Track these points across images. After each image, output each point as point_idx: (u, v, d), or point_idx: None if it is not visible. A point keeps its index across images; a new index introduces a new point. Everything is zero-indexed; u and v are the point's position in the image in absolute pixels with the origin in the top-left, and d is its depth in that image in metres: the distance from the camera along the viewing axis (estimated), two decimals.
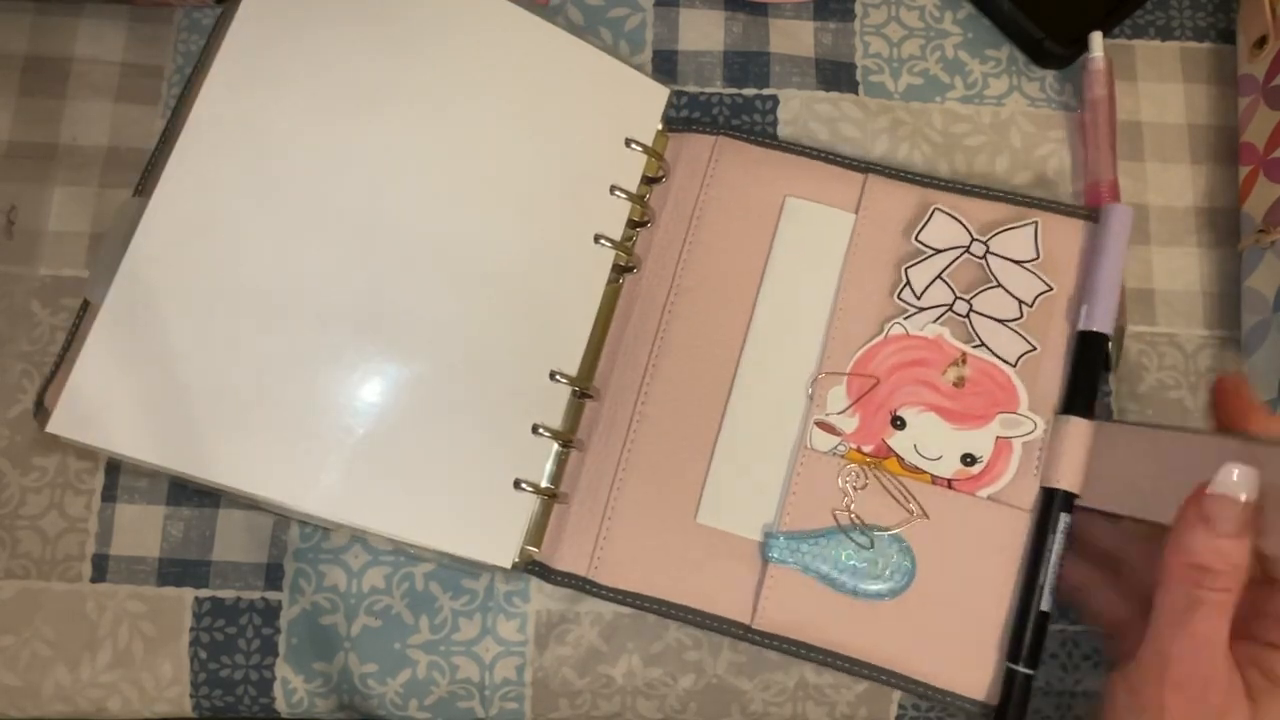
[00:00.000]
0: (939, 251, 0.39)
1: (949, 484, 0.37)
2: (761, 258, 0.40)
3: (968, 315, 0.38)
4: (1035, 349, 0.37)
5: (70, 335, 0.35)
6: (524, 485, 0.37)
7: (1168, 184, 0.43)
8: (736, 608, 0.37)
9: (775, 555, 0.36)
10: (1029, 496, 0.36)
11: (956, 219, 0.39)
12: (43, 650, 0.38)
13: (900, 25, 0.45)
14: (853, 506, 0.37)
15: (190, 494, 0.39)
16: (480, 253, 0.38)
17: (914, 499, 0.37)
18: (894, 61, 0.44)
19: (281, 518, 0.39)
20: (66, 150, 0.42)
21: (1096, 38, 0.41)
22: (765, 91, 0.44)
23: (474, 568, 0.38)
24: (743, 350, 0.39)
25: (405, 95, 0.38)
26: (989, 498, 0.36)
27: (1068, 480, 0.35)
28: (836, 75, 0.44)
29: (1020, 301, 0.38)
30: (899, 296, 0.38)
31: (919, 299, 0.38)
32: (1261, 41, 0.41)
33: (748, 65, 0.44)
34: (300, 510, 0.35)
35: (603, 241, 0.39)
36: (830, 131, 0.43)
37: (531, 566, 0.38)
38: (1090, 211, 0.39)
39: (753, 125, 0.43)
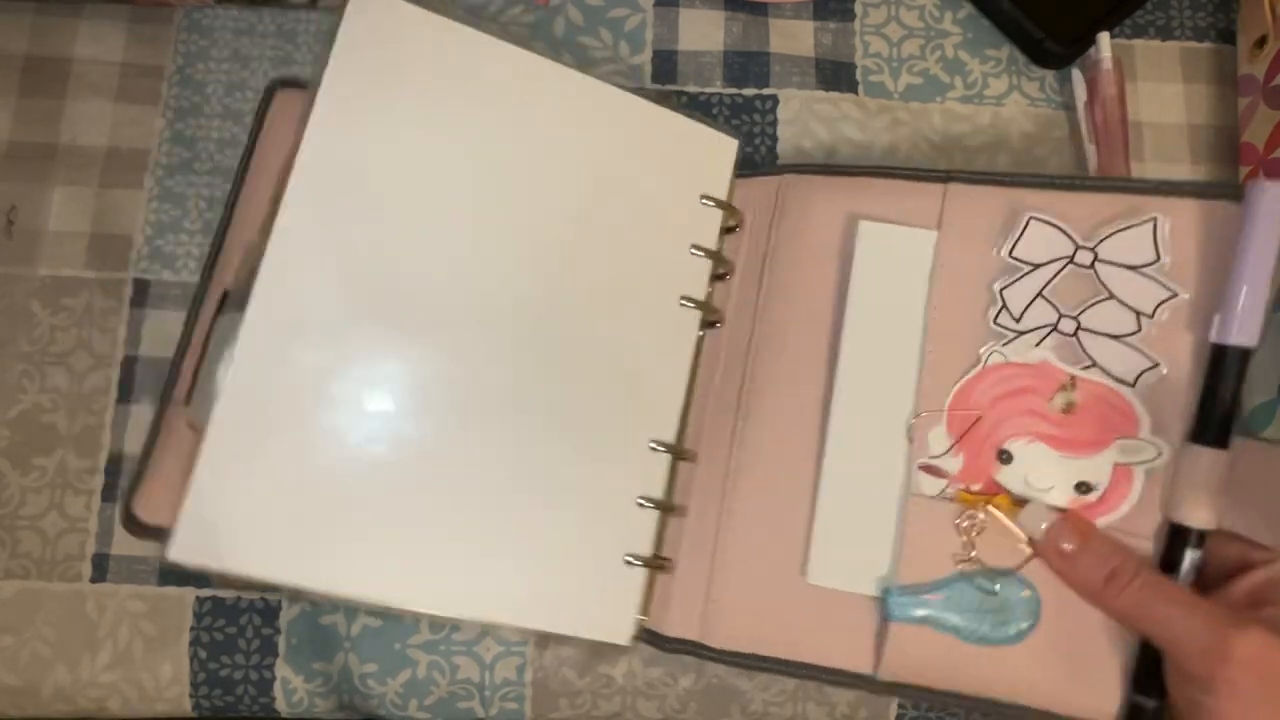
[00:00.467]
0: (1038, 266, 0.34)
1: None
2: (840, 291, 0.37)
3: (1075, 333, 0.34)
4: (1158, 365, 0.33)
5: (151, 436, 0.36)
6: (633, 560, 0.36)
7: None
8: (857, 660, 0.35)
9: (897, 614, 0.33)
10: (1152, 524, 0.33)
11: (1055, 225, 0.34)
12: (43, 650, 0.38)
13: (900, 25, 0.45)
14: (974, 553, 0.34)
15: None
16: (568, 327, 0.37)
17: (1031, 536, 0.33)
18: (894, 61, 0.44)
19: None
20: (66, 150, 0.42)
21: (1104, 39, 0.41)
22: (765, 91, 0.44)
23: (597, 649, 0.38)
24: (832, 393, 0.36)
25: (485, 170, 0.37)
26: (1107, 528, 0.33)
27: (1196, 517, 0.31)
28: (836, 75, 0.44)
29: (1139, 314, 0.33)
30: (995, 321, 0.35)
31: (1018, 321, 0.34)
32: (1261, 41, 0.41)
33: (748, 65, 0.44)
34: (419, 611, 0.35)
35: (687, 303, 0.38)
36: (830, 131, 0.43)
37: (644, 635, 0.36)
38: (1228, 189, 0.33)
39: (752, 125, 0.43)
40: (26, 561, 0.39)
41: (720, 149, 0.40)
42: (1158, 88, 0.44)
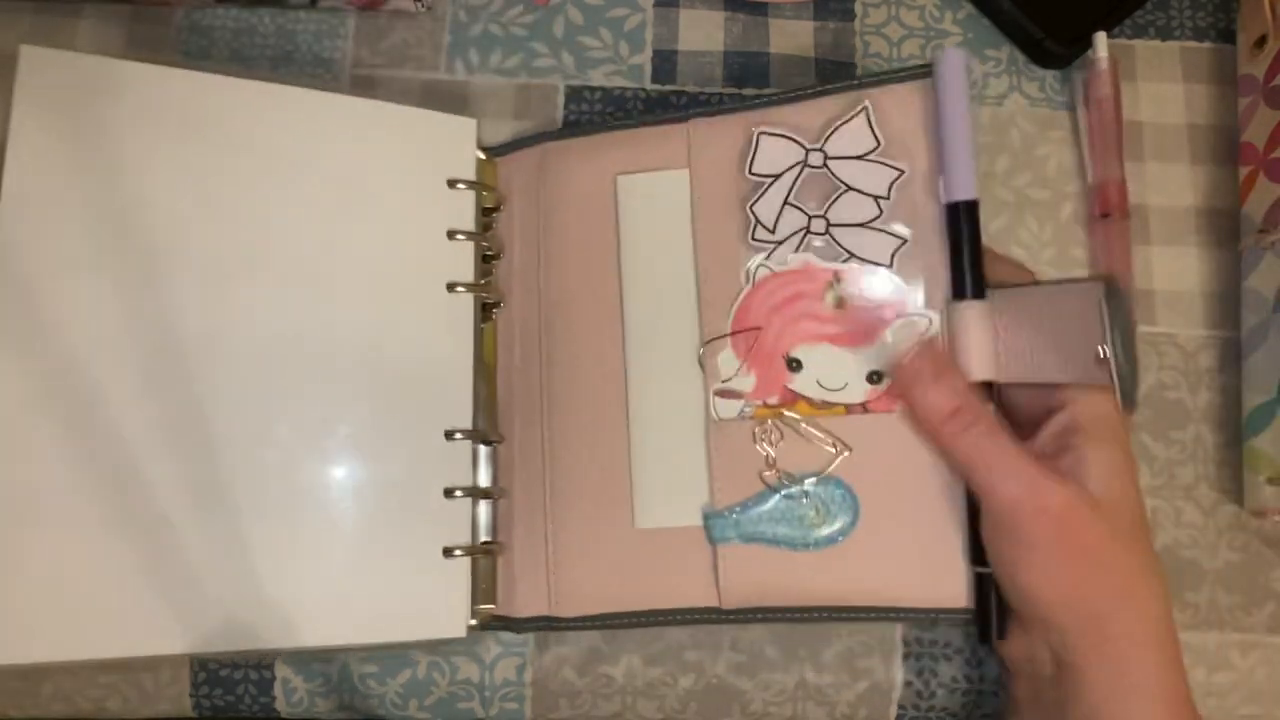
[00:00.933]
0: (777, 177, 0.36)
1: (864, 408, 0.35)
2: (614, 247, 0.38)
3: (827, 231, 0.36)
4: (905, 241, 0.35)
5: None
6: (454, 551, 0.36)
7: (1168, 184, 0.43)
8: (701, 595, 0.36)
9: (718, 535, 0.35)
10: None
11: (784, 136, 0.36)
12: None
13: (900, 25, 0.45)
14: (776, 463, 0.35)
15: None
16: (336, 340, 0.36)
17: (833, 435, 0.35)
18: (894, 61, 0.44)
19: None
20: None
21: (1101, 39, 0.41)
22: (765, 91, 0.44)
23: (435, 645, 0.38)
24: (625, 345, 0.38)
25: (214, 206, 0.36)
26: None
27: (978, 368, 0.33)
28: (837, 75, 0.44)
29: (876, 197, 0.35)
30: (753, 237, 0.36)
31: (773, 232, 0.36)
32: (1261, 41, 0.41)
33: (748, 65, 0.44)
34: (242, 650, 0.34)
35: (458, 288, 0.38)
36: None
37: (495, 622, 0.37)
38: (923, 68, 0.35)
39: None
40: None
41: (459, 131, 0.40)
42: (1158, 88, 0.44)
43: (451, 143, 0.40)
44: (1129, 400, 0.32)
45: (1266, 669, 0.39)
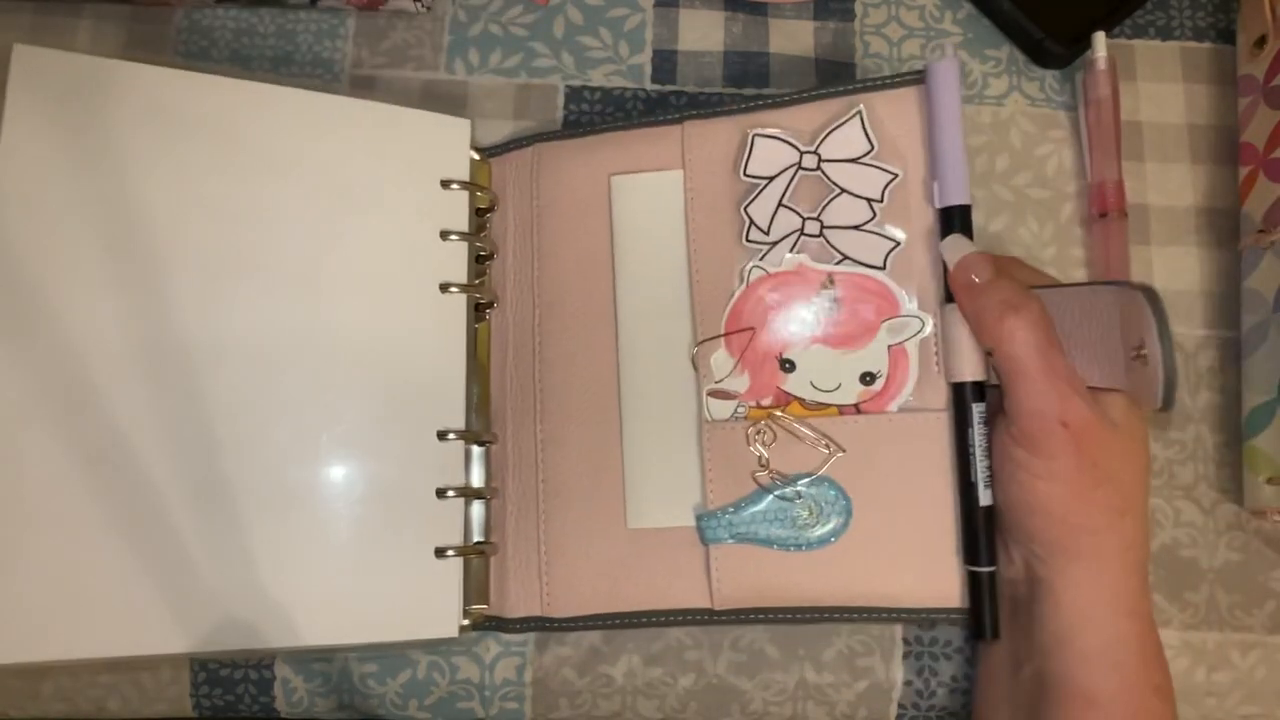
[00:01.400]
0: (772, 179, 0.36)
1: (857, 409, 0.35)
2: (608, 247, 0.38)
3: (820, 233, 0.36)
4: (898, 243, 0.35)
5: None
6: (447, 552, 0.36)
7: (1168, 184, 0.43)
8: (694, 596, 0.36)
9: (711, 536, 0.35)
10: (940, 395, 0.35)
11: (778, 138, 0.37)
12: None
13: (900, 25, 0.45)
14: (769, 463, 0.36)
15: None
16: (329, 340, 0.36)
17: (826, 436, 0.35)
18: (894, 61, 0.44)
19: None
20: None
21: (1099, 38, 0.41)
22: (765, 91, 0.44)
23: (433, 645, 0.38)
24: (618, 346, 0.38)
25: (209, 206, 0.36)
26: (900, 410, 0.35)
27: (970, 369, 0.34)
28: (836, 75, 0.44)
29: (869, 200, 0.36)
30: (747, 239, 0.36)
31: (768, 234, 0.36)
32: (1261, 41, 0.41)
33: (748, 65, 0.44)
34: (237, 649, 0.34)
35: (451, 289, 0.38)
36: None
37: (487, 623, 0.37)
38: (917, 75, 0.36)
39: None
40: None
41: (453, 131, 0.40)
42: (1158, 88, 0.44)
43: (445, 143, 0.40)
44: (1169, 396, 0.33)
45: (1266, 669, 0.39)
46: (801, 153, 0.36)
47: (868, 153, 0.36)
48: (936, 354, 0.35)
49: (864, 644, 0.39)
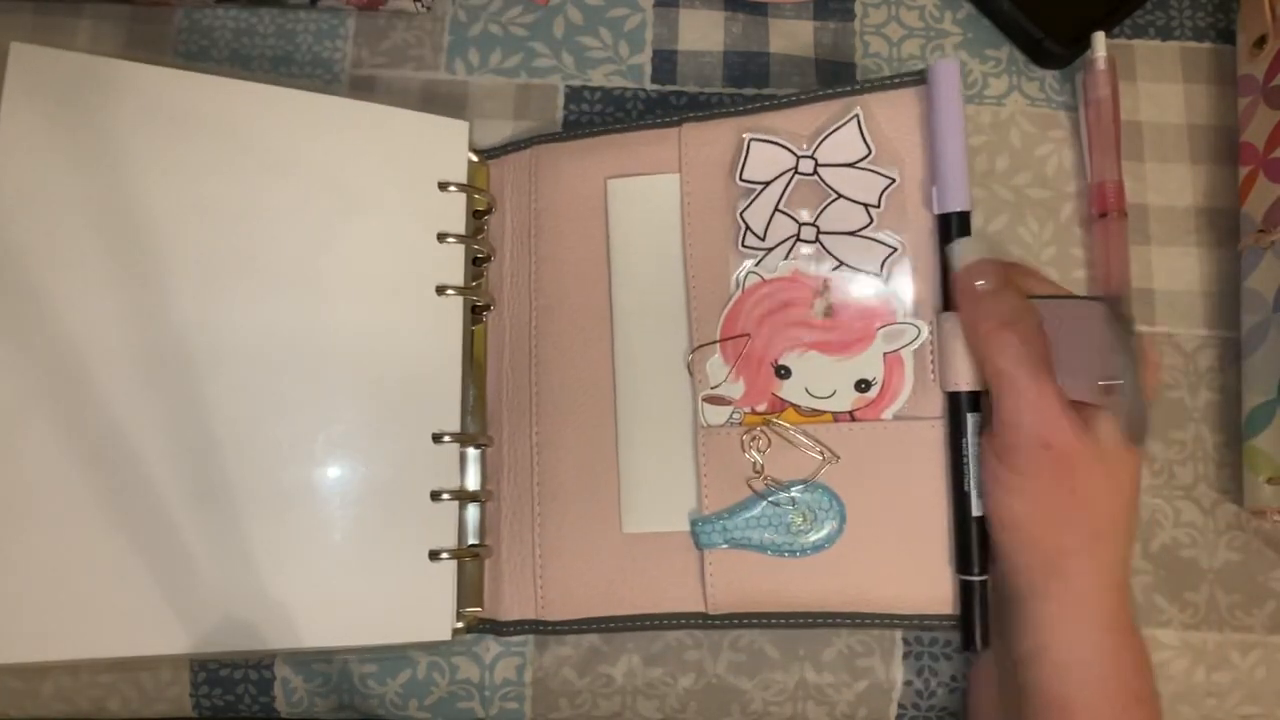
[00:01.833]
0: (768, 184, 0.36)
1: (852, 416, 0.35)
2: (605, 252, 0.38)
3: (817, 239, 0.36)
4: (896, 250, 0.35)
5: None
6: (440, 554, 0.36)
7: (1168, 184, 0.43)
8: (688, 601, 0.36)
9: (705, 541, 0.36)
10: (935, 404, 0.35)
11: (774, 142, 0.36)
12: None
13: (900, 25, 0.45)
14: (764, 469, 0.36)
15: None
16: (326, 341, 0.36)
17: (820, 442, 0.35)
18: (894, 61, 0.44)
19: None
20: None
21: (1099, 38, 0.41)
22: (765, 91, 0.44)
23: (432, 646, 0.38)
24: (614, 350, 0.38)
25: (204, 206, 0.36)
26: (895, 417, 0.35)
27: (965, 378, 0.33)
28: (836, 75, 0.44)
29: (866, 205, 0.35)
30: (743, 244, 0.36)
31: (764, 239, 0.36)
32: (1261, 41, 0.41)
33: (748, 65, 0.44)
34: (234, 650, 0.34)
35: (447, 291, 0.38)
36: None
37: (481, 625, 0.37)
38: (916, 76, 0.36)
39: None
40: None
41: (450, 133, 0.40)
42: (1158, 88, 0.44)
43: (443, 145, 0.40)
44: (1137, 434, 0.32)
45: (1266, 669, 0.39)
46: (798, 157, 0.36)
47: (865, 157, 0.36)
48: (932, 362, 0.35)
49: (864, 644, 0.39)
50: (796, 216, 0.36)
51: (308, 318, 0.36)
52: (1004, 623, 0.33)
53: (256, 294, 0.36)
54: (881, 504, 0.35)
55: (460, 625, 0.37)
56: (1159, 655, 0.39)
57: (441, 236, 0.39)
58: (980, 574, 0.33)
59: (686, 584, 0.36)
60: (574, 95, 0.43)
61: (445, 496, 0.37)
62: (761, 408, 0.36)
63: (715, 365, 0.37)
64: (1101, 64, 0.41)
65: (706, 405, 0.36)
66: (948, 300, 0.34)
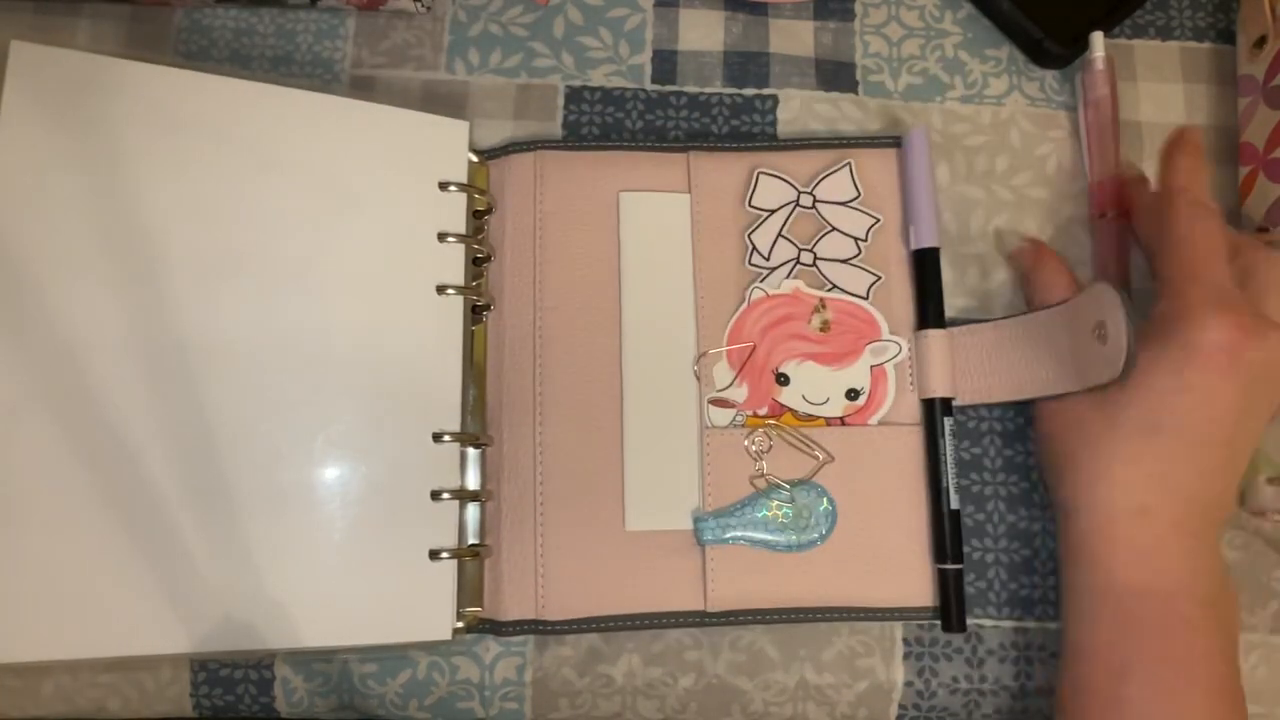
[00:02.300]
0: (773, 211, 0.41)
1: (842, 421, 0.39)
2: (613, 258, 0.40)
3: (814, 263, 0.40)
4: (880, 278, 0.40)
5: None
6: (440, 554, 0.36)
7: None
8: (688, 599, 0.38)
9: (708, 537, 0.37)
10: (914, 411, 0.39)
11: (780, 177, 0.41)
12: None
13: (900, 25, 0.45)
14: (765, 469, 0.38)
15: None
16: (326, 340, 0.36)
17: (817, 445, 0.38)
18: (894, 61, 0.44)
19: None
20: None
21: (1097, 38, 0.41)
22: (765, 91, 0.44)
23: (432, 646, 0.38)
24: (622, 352, 0.39)
25: (204, 205, 0.36)
26: (880, 423, 0.39)
27: (940, 387, 0.39)
28: (836, 75, 0.44)
29: (855, 239, 0.40)
30: (750, 262, 0.40)
31: (768, 260, 0.40)
32: (1261, 41, 0.41)
33: (748, 65, 0.44)
34: (233, 650, 0.34)
35: (448, 290, 0.38)
36: (830, 131, 0.43)
37: (481, 625, 0.37)
38: (896, 139, 0.41)
39: (752, 125, 0.43)
40: None
41: (451, 133, 0.40)
42: (1158, 88, 0.44)
43: (443, 145, 0.40)
44: (1129, 367, 0.33)
45: (1267, 669, 0.39)
46: (799, 192, 0.41)
47: (855, 198, 0.41)
48: (911, 376, 0.39)
49: (864, 644, 0.39)
50: (796, 242, 0.40)
51: (308, 317, 0.36)
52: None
53: (256, 293, 0.36)
54: (868, 502, 0.38)
55: (460, 625, 0.37)
56: None
57: (442, 236, 0.39)
58: (955, 563, 0.37)
59: (686, 583, 0.38)
60: (574, 95, 0.43)
61: (445, 496, 0.37)
62: (762, 411, 0.39)
63: (721, 371, 0.39)
64: (1100, 64, 0.41)
65: (712, 408, 0.39)
66: (923, 320, 0.40)
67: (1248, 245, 0.36)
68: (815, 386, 0.39)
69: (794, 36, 0.44)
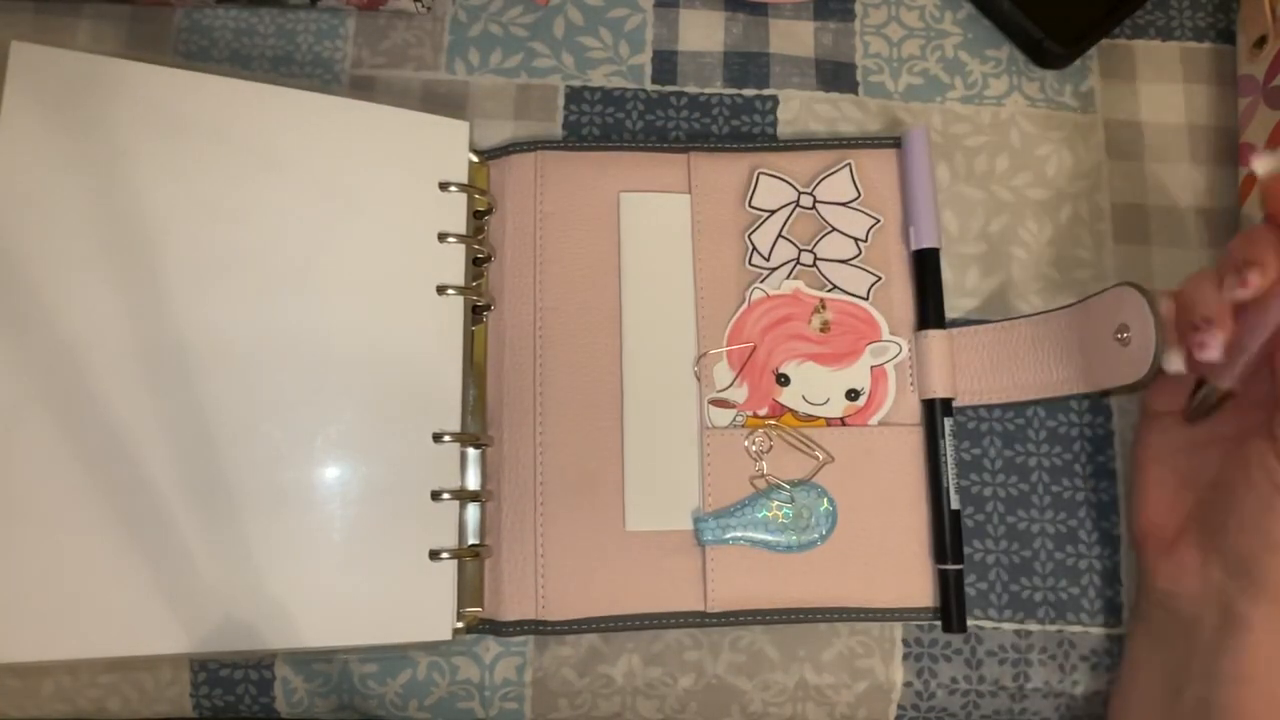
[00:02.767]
0: (773, 212, 0.41)
1: (842, 422, 0.39)
2: (613, 259, 0.40)
3: (814, 264, 0.40)
4: (881, 278, 0.40)
5: None
6: (441, 554, 0.36)
7: (1168, 184, 0.43)
8: (688, 599, 0.38)
9: (709, 537, 0.37)
10: (914, 412, 0.39)
11: (780, 178, 0.41)
12: None
13: (900, 25, 0.45)
14: (765, 469, 0.38)
15: None
16: (326, 341, 0.36)
17: (817, 445, 0.38)
18: (894, 61, 0.44)
19: None
20: None
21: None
22: (765, 92, 0.44)
23: (432, 646, 0.38)
24: (622, 352, 0.39)
25: (203, 205, 0.36)
26: (880, 423, 0.39)
27: (940, 387, 0.39)
28: (836, 75, 0.44)
29: (856, 239, 0.40)
30: (750, 263, 0.40)
31: (768, 260, 0.40)
32: (1261, 41, 0.41)
33: (748, 65, 0.44)
34: (233, 650, 0.34)
35: (448, 291, 0.38)
36: (830, 132, 0.43)
37: (481, 626, 0.37)
38: (896, 139, 0.41)
39: (752, 125, 0.43)
40: None
41: (451, 133, 0.40)
42: (1158, 88, 0.44)
43: (444, 145, 0.40)
44: (1155, 367, 0.33)
45: None
46: (799, 192, 0.41)
47: (855, 199, 0.41)
48: (911, 376, 0.39)
49: (864, 645, 0.39)
50: (797, 243, 0.40)
51: (308, 317, 0.36)
52: (1186, 639, 0.33)
53: (256, 293, 0.36)
54: (868, 502, 0.38)
55: (460, 625, 0.37)
56: None
57: (442, 236, 0.39)
58: (955, 564, 0.37)
59: (686, 584, 0.38)
60: (574, 95, 0.43)
61: (445, 496, 0.37)
62: (763, 412, 0.39)
63: (721, 371, 0.39)
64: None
65: (712, 408, 0.39)
66: (923, 320, 0.39)
67: None
68: (815, 387, 0.39)
69: (794, 37, 0.44)
